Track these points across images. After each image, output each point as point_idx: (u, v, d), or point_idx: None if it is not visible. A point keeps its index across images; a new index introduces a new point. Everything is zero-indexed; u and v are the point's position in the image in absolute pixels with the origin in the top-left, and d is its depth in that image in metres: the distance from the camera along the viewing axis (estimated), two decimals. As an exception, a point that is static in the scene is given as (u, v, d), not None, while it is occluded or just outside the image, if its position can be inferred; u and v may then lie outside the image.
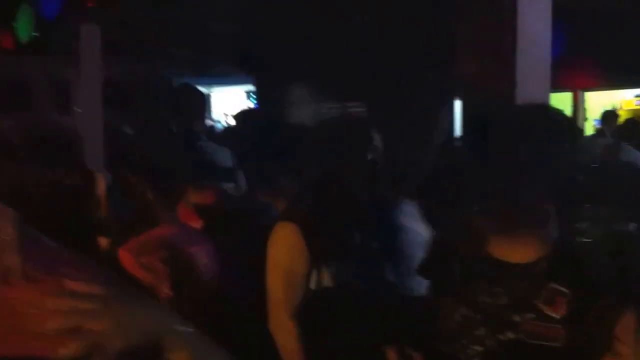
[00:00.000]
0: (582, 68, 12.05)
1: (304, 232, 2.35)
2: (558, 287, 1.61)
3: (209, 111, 12.14)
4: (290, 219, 2.39)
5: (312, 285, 2.36)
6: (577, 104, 12.35)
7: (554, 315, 1.59)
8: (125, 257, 2.03)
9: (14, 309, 1.08)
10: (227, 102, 14.81)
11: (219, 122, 14.95)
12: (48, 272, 1.11)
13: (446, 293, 1.81)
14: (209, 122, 10.71)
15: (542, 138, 1.69)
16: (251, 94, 14.48)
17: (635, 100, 12.74)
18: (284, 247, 2.38)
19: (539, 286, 1.62)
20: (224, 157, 3.87)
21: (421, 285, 1.98)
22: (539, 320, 1.61)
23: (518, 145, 1.67)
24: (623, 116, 12.23)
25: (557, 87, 12.62)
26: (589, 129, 12.32)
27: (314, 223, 2.35)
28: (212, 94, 14.93)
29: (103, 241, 1.76)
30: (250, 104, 14.04)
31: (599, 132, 10.28)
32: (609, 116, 10.47)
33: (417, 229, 2.70)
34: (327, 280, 2.35)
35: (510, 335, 1.65)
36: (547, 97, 3.10)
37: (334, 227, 2.34)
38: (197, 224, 2.67)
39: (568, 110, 12.47)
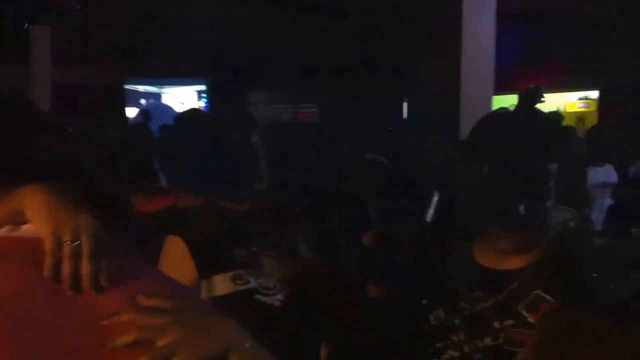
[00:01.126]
0: (528, 71, 12.30)
1: (191, 245, 2.24)
2: (543, 295, 1.55)
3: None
4: (176, 232, 2.30)
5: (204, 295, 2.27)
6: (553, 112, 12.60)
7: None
8: None
9: (83, 320, 1.08)
10: (178, 102, 14.73)
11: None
12: (121, 284, 1.11)
13: (425, 296, 1.74)
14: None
15: (529, 145, 1.65)
16: (202, 93, 14.40)
17: (579, 103, 13.03)
18: (168, 261, 2.29)
19: (524, 293, 1.58)
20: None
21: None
22: (519, 327, 1.55)
23: (506, 154, 1.64)
24: (567, 119, 12.53)
25: (504, 90, 12.90)
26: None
27: (199, 237, 2.25)
28: (163, 94, 14.80)
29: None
30: (202, 104, 13.95)
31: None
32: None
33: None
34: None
35: (488, 341, 1.58)
36: (490, 99, 3.20)
37: (219, 240, 2.23)
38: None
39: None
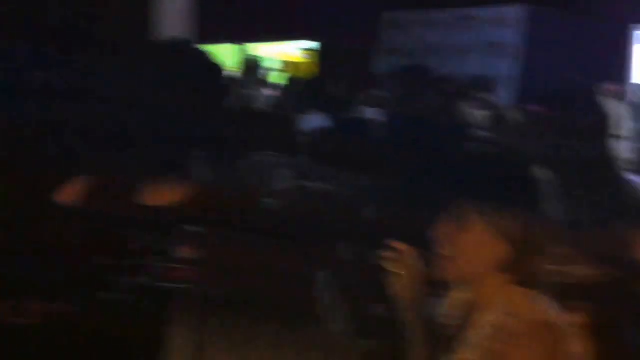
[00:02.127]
0: (245, 21, 12.44)
1: None
2: (191, 229, 1.58)
3: None
4: None
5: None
6: (244, 55, 12.72)
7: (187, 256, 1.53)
8: None
9: None
10: None
11: None
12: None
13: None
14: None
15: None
16: None
17: (299, 53, 13.44)
18: None
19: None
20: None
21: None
22: (170, 262, 1.60)
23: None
24: (289, 69, 12.93)
25: (224, 39, 12.91)
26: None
27: None
28: None
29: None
30: None
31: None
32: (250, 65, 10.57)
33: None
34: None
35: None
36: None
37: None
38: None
39: (235, 62, 12.86)
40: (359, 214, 3.38)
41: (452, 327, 1.66)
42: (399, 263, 1.66)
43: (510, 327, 1.48)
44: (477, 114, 6.60)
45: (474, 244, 1.54)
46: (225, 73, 1.70)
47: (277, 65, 13.36)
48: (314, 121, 6.51)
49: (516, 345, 1.46)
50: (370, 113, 6.82)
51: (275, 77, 12.35)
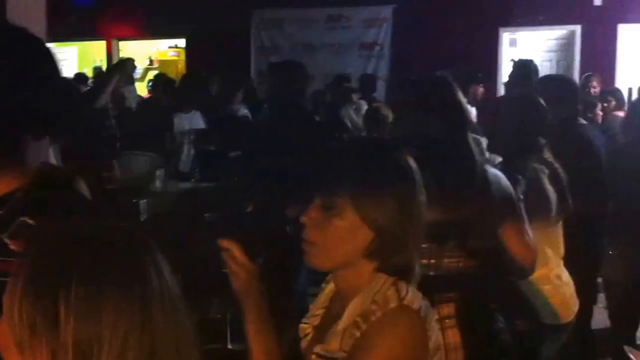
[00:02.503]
0: (117, 17, 12.12)
1: None
2: (28, 221, 1.48)
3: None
4: None
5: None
6: (112, 53, 12.38)
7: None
8: None
9: None
10: None
11: None
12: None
13: None
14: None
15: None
16: None
17: (169, 51, 13.23)
18: None
19: (8, 220, 1.51)
20: None
21: None
22: (3, 255, 1.49)
23: None
24: (159, 68, 12.68)
25: (92, 36, 12.52)
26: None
27: None
28: None
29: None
30: None
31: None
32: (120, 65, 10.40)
33: None
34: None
35: None
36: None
37: None
38: None
39: (103, 59, 12.50)
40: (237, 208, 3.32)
41: (322, 317, 1.67)
42: (233, 262, 1.64)
43: (376, 314, 1.49)
44: (351, 110, 6.69)
45: (341, 231, 1.53)
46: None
47: (149, 64, 13.12)
48: (187, 120, 6.40)
49: (380, 333, 1.48)
50: (245, 110, 6.77)
51: (146, 75, 12.11)
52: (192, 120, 6.46)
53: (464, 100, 2.54)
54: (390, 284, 1.52)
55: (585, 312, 3.50)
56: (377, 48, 10.98)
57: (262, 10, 11.28)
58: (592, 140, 4.03)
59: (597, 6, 9.90)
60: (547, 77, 4.89)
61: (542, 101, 3.29)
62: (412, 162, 1.60)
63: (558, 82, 4.37)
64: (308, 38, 11.19)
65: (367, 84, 8.02)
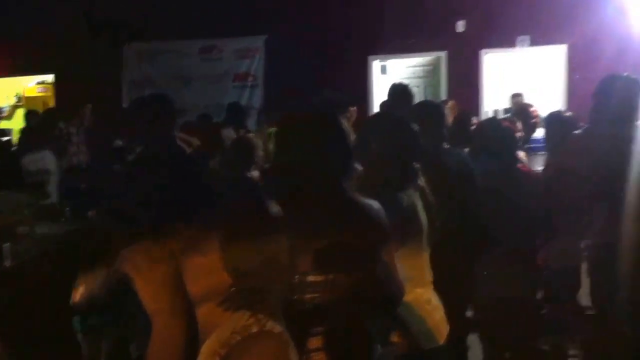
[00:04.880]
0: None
1: None
2: None
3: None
4: None
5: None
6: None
7: None
8: None
9: None
10: None
11: None
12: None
13: None
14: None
15: None
16: None
17: (37, 88, 12.78)
18: None
19: None
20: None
21: None
22: None
23: None
24: (26, 105, 12.21)
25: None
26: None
27: None
28: None
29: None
30: None
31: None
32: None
33: None
34: None
35: None
36: None
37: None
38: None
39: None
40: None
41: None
42: None
43: (236, 339, 1.48)
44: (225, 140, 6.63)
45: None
46: None
47: (17, 101, 12.66)
48: (35, 160, 6.11)
49: (242, 356, 1.47)
50: (119, 142, 6.58)
51: (14, 113, 11.66)
52: (43, 160, 6.20)
53: (346, 130, 2.53)
54: (249, 316, 1.51)
55: (457, 334, 3.57)
56: (251, 79, 11.00)
57: (133, 44, 11.10)
58: (464, 165, 4.12)
59: (460, 33, 10.31)
60: (420, 102, 4.98)
61: (415, 126, 3.34)
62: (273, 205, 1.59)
63: (429, 107, 4.45)
64: (181, 70, 11.09)
65: (234, 112, 7.89)
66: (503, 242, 3.87)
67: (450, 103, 7.63)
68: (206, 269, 1.53)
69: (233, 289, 1.52)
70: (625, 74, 3.96)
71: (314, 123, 2.48)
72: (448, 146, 4.14)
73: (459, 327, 3.52)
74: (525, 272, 3.97)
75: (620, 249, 3.50)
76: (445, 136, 4.19)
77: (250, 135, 5.36)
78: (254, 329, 1.49)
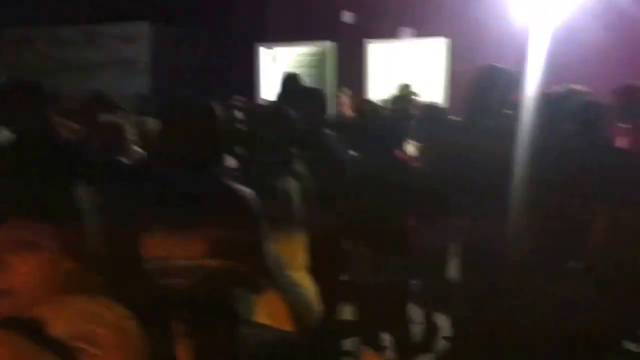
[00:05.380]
0: None
1: None
2: None
3: None
4: None
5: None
6: None
7: None
8: None
9: None
10: None
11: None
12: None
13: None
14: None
15: None
16: None
17: None
18: None
19: None
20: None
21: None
22: None
23: None
24: None
25: None
26: None
27: None
28: None
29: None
30: None
31: None
32: None
33: None
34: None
35: None
36: None
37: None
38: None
39: None
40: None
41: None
42: None
43: (86, 335, 1.42)
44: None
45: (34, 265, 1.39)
46: None
47: None
48: None
49: (95, 352, 1.42)
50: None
51: None
52: None
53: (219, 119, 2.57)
54: (92, 303, 1.46)
55: (330, 316, 3.61)
56: (135, 65, 10.73)
57: (10, 29, 10.62)
58: (343, 150, 4.18)
59: (347, 23, 10.42)
60: (303, 88, 5.04)
61: (292, 113, 3.36)
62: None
63: (307, 92, 4.52)
64: (62, 56, 10.70)
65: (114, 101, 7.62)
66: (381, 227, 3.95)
67: (347, 92, 7.69)
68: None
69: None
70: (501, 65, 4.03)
71: (188, 111, 2.52)
72: (329, 132, 4.20)
73: (331, 311, 3.57)
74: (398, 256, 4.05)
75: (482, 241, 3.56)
76: (327, 121, 4.25)
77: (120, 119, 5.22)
78: (105, 320, 1.44)
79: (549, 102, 3.71)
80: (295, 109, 3.48)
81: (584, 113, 3.78)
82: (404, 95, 8.77)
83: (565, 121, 3.83)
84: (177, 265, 2.19)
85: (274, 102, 5.60)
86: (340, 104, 7.37)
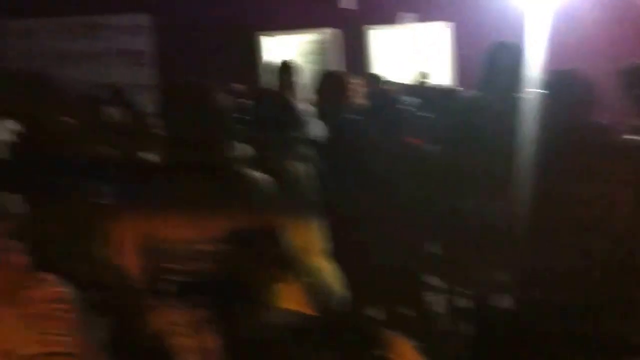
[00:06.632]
0: None
1: None
2: None
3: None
4: None
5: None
6: None
7: None
8: None
9: None
10: None
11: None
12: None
13: None
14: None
15: None
16: None
17: None
18: None
19: None
20: None
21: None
22: None
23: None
24: None
25: None
26: None
27: None
28: None
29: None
30: None
31: None
32: None
33: None
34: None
35: None
36: None
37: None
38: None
39: None
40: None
41: None
42: None
43: (34, 311, 1.50)
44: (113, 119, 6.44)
45: None
46: None
47: None
48: None
49: (45, 325, 1.48)
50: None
51: None
52: None
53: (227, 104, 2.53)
54: (34, 279, 1.53)
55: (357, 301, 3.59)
56: (138, 56, 10.70)
57: (9, 20, 10.59)
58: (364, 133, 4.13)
59: (349, 10, 10.38)
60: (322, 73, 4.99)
61: (290, 98, 3.35)
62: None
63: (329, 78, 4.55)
64: (64, 47, 10.67)
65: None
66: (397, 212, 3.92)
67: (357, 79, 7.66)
68: None
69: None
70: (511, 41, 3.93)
71: (193, 94, 2.48)
72: (348, 116, 4.20)
73: (357, 295, 3.53)
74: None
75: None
76: (345, 105, 4.26)
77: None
78: (41, 296, 1.49)
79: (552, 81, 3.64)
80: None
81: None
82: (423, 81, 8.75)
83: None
84: (199, 250, 2.20)
85: (270, 89, 5.59)
86: (352, 91, 7.33)
